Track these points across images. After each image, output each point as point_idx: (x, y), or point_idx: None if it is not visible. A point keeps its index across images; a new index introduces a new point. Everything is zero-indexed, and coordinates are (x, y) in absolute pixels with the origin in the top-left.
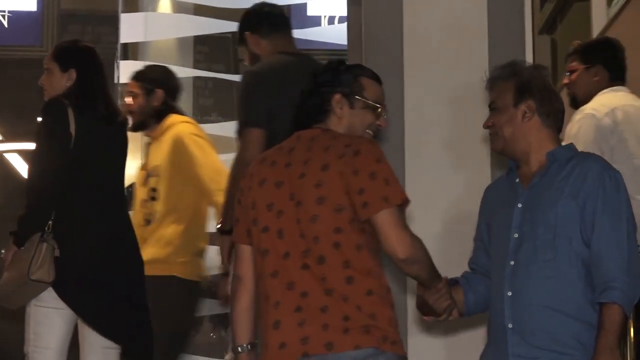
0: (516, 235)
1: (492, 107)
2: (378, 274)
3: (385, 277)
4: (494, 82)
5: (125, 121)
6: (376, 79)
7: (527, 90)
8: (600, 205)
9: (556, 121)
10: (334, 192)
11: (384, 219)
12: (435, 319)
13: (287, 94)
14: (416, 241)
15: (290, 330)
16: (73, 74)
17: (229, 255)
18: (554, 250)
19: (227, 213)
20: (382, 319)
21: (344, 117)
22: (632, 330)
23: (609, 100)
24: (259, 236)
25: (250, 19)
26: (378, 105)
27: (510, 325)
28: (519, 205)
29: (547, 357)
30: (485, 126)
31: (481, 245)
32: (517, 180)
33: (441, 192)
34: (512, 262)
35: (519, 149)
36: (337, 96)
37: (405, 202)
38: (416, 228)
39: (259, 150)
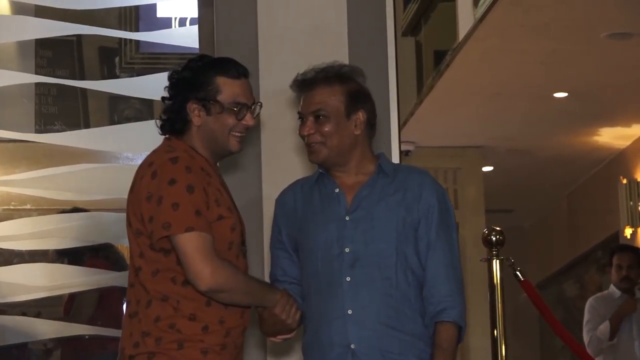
0: (348, 250)
1: (318, 115)
2: (176, 300)
3: (198, 303)
4: (313, 84)
5: None
6: (236, 74)
7: (358, 100)
8: (435, 224)
9: (375, 130)
10: (133, 216)
11: (178, 247)
12: (287, 336)
13: None
14: (221, 270)
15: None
16: None
17: None
18: (392, 266)
19: None
20: (169, 344)
21: (202, 125)
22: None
23: None
24: None
25: None
26: (235, 108)
27: (353, 346)
28: (347, 219)
29: None
30: (307, 134)
31: (286, 255)
32: (337, 190)
33: None
34: (347, 279)
35: (344, 160)
36: (192, 104)
37: (189, 229)
38: None
39: None
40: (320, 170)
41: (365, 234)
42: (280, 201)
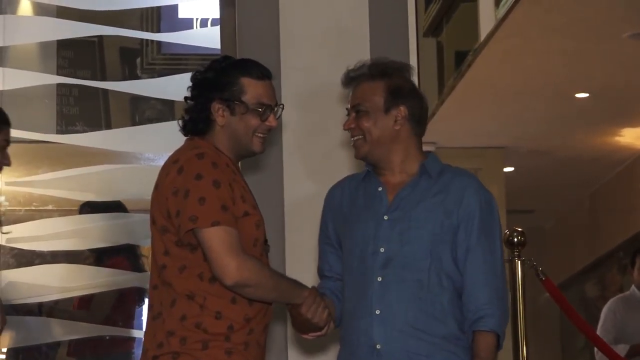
0: (382, 250)
1: (358, 110)
2: (203, 297)
3: (224, 300)
4: (357, 81)
5: None
6: (260, 75)
7: (399, 95)
8: (476, 229)
9: (423, 127)
10: (158, 213)
11: (203, 241)
12: (318, 334)
13: None
14: (247, 264)
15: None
16: None
17: None
18: (425, 269)
19: None
20: (194, 344)
21: (226, 125)
22: None
23: None
24: None
25: None
26: (260, 109)
27: (378, 346)
28: (385, 218)
29: None
30: (348, 128)
31: (332, 250)
32: (381, 189)
33: (321, 198)
34: (379, 279)
35: (386, 156)
36: (216, 104)
37: (216, 223)
38: (298, 239)
39: None
40: (368, 169)
41: (401, 234)
42: (328, 196)
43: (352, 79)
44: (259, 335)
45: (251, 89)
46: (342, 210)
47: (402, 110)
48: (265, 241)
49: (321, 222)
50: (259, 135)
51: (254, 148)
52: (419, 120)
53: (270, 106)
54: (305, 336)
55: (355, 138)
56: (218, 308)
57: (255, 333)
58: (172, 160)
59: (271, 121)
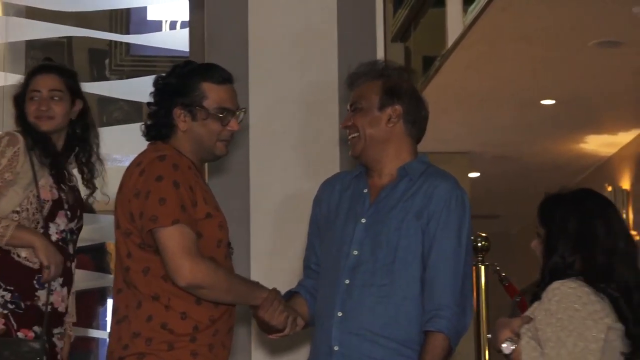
0: (355, 253)
1: (355, 108)
2: (167, 298)
3: (188, 301)
4: (357, 80)
5: None
6: (221, 80)
7: (395, 94)
8: (442, 227)
9: (419, 130)
10: (122, 216)
11: (160, 242)
12: (280, 335)
13: None
14: (201, 265)
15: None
16: None
17: None
18: (391, 275)
19: None
20: (159, 344)
21: (188, 130)
22: None
23: None
24: None
25: None
26: (220, 114)
27: (336, 348)
28: (363, 221)
29: None
30: (345, 126)
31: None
32: (365, 190)
33: (291, 200)
34: (347, 281)
35: (377, 155)
36: (177, 110)
37: (175, 222)
38: (264, 239)
39: None
40: (362, 169)
41: (374, 239)
42: (320, 190)
43: (353, 79)
44: (224, 337)
45: (212, 94)
46: (329, 207)
47: (397, 109)
48: (229, 244)
49: (311, 214)
50: (222, 140)
51: (217, 152)
52: (415, 121)
53: (232, 111)
54: (269, 336)
55: (352, 136)
56: (183, 309)
57: (220, 334)
58: (135, 163)
59: (233, 125)
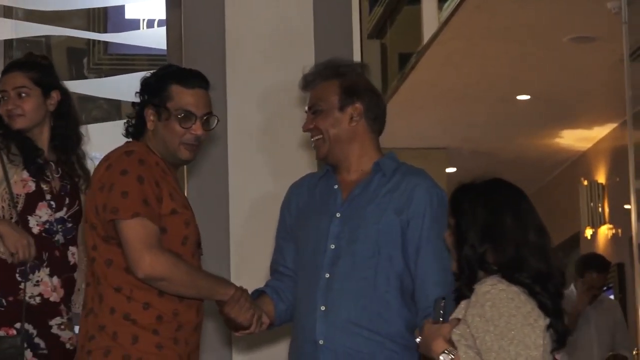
0: (332, 247)
1: (315, 110)
2: (129, 289)
3: (151, 293)
4: (312, 81)
5: None
6: (191, 84)
7: (354, 93)
8: (427, 227)
9: (381, 124)
10: (89, 210)
11: (121, 234)
12: (246, 332)
13: None
14: (160, 258)
15: None
16: None
17: None
18: (372, 268)
19: None
20: (125, 337)
21: (155, 129)
22: None
23: None
24: None
25: None
26: (180, 115)
27: (321, 342)
28: (337, 215)
29: None
30: (306, 129)
31: (289, 245)
32: (336, 186)
33: (266, 200)
34: (327, 275)
35: (343, 155)
36: (149, 109)
37: (135, 215)
38: (243, 241)
39: None
40: (328, 168)
41: (351, 232)
42: (288, 193)
43: (308, 81)
44: (188, 335)
45: (178, 97)
46: (299, 207)
47: (358, 107)
48: (199, 244)
49: (280, 217)
50: (186, 143)
51: (181, 156)
52: (376, 117)
53: (194, 114)
54: (235, 334)
55: (315, 138)
56: (145, 299)
57: (184, 331)
58: (104, 159)
59: (196, 129)
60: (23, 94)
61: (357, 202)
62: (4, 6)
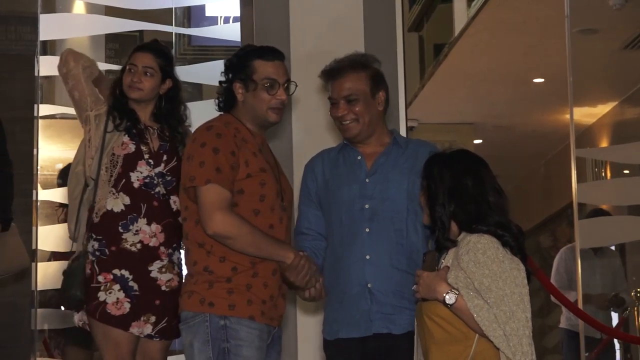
0: (367, 207)
1: (350, 99)
2: (210, 245)
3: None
4: (341, 72)
5: None
6: (270, 57)
7: (378, 82)
8: None
9: (389, 106)
10: (182, 176)
11: (199, 197)
12: (306, 298)
13: None
14: (228, 218)
15: None
16: None
17: None
18: (403, 221)
19: None
20: (202, 285)
21: (244, 100)
22: None
23: None
24: None
25: None
26: (266, 84)
27: (369, 285)
28: (367, 181)
29: (399, 312)
30: (341, 115)
31: (315, 211)
32: (360, 157)
33: None
34: (367, 229)
35: (370, 134)
36: (236, 84)
37: (208, 182)
38: None
39: None
40: (345, 142)
41: (382, 193)
42: (309, 166)
43: (334, 72)
44: (266, 279)
45: (260, 69)
46: (324, 177)
47: (382, 94)
48: (282, 199)
49: (302, 187)
50: (273, 107)
51: (270, 119)
52: (388, 100)
53: (277, 82)
54: (299, 296)
55: (347, 122)
56: (222, 254)
57: (260, 276)
58: (193, 133)
59: (280, 95)
60: (148, 73)
61: (383, 168)
62: (105, 6)
